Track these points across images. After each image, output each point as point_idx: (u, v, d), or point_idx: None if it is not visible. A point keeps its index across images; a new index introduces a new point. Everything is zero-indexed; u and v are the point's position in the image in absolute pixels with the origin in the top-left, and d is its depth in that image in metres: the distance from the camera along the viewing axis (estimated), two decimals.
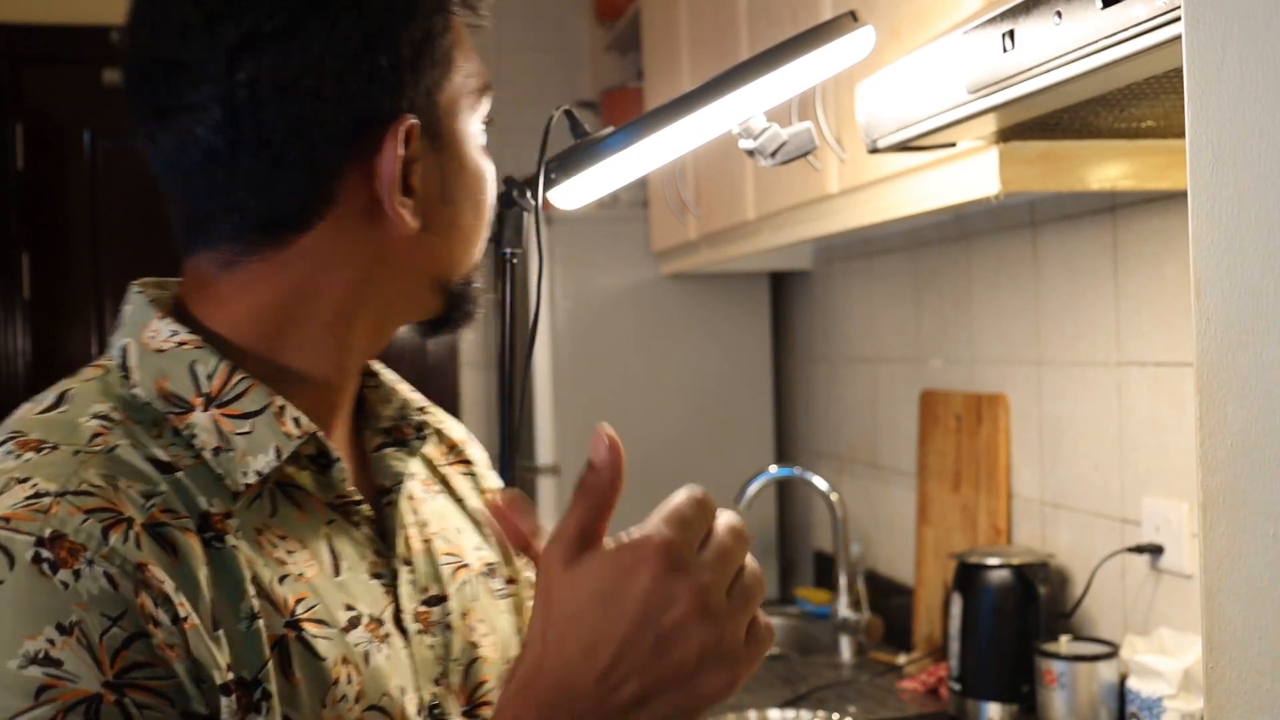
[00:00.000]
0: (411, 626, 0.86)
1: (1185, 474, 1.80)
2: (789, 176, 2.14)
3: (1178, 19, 0.94)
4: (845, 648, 2.55)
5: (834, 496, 2.66)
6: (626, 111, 3.21)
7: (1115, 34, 1.04)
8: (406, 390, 0.96)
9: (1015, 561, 2.01)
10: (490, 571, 0.96)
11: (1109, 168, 1.59)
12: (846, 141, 1.91)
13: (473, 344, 3.79)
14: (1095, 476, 2.01)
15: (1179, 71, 0.91)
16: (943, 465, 2.42)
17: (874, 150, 1.56)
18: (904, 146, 1.54)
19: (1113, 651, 1.87)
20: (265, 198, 0.80)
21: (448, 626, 0.89)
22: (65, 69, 3.70)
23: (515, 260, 1.14)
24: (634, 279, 3.18)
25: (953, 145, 1.57)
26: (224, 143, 0.79)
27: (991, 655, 2.02)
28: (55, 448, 0.75)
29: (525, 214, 1.14)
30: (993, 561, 2.02)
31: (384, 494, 0.89)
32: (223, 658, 0.73)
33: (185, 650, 0.71)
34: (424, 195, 0.84)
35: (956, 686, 2.06)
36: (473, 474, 1.03)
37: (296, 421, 0.81)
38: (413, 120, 0.82)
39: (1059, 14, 1.10)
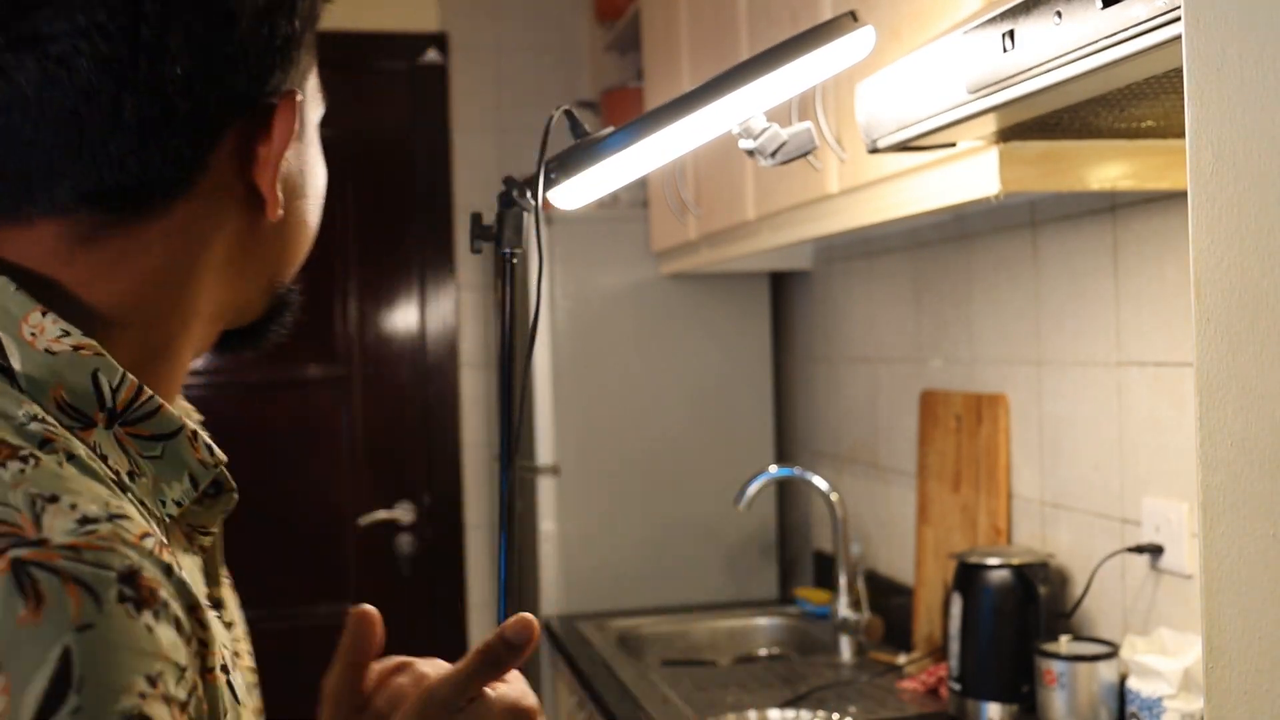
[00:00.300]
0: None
1: (1185, 474, 1.80)
2: (789, 176, 2.14)
3: (1178, 19, 0.94)
4: (845, 648, 2.55)
5: (834, 496, 2.66)
6: (626, 111, 3.21)
7: (1115, 34, 1.04)
8: (181, 399, 0.86)
9: (1015, 561, 2.01)
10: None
11: (1109, 168, 1.59)
12: (846, 141, 1.91)
13: (473, 344, 3.79)
14: (1095, 476, 2.01)
15: (1179, 71, 0.91)
16: (943, 465, 2.42)
17: (874, 150, 1.56)
18: (904, 146, 1.54)
19: (1113, 651, 1.87)
20: (141, 155, 0.70)
21: (236, 654, 0.80)
22: None
23: (515, 260, 1.14)
24: (634, 279, 3.18)
25: (953, 145, 1.57)
26: (111, 82, 0.68)
27: (991, 655, 2.02)
28: (34, 456, 0.64)
29: (525, 214, 1.14)
30: (993, 561, 2.02)
31: None
32: (231, 713, 0.68)
33: (205, 704, 0.65)
34: (285, 183, 0.77)
35: (956, 686, 2.06)
36: None
37: (210, 449, 0.74)
38: (301, 98, 0.76)
39: (1059, 14, 1.10)
